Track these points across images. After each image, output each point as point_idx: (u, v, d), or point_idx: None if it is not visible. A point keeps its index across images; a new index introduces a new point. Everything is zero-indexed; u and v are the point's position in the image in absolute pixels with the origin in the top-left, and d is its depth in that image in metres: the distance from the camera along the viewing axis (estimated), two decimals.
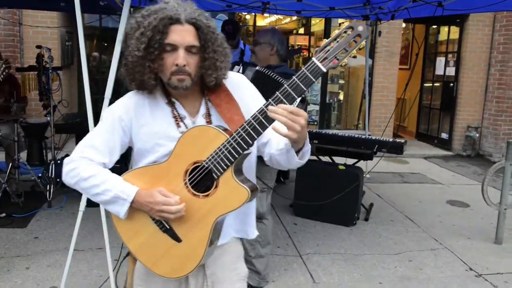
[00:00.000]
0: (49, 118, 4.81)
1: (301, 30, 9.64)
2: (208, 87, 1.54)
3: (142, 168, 1.52)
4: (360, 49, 1.35)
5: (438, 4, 4.31)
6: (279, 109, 1.30)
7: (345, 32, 1.33)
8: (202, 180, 1.44)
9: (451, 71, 8.72)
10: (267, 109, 1.32)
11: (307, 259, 3.80)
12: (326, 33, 8.44)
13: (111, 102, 2.89)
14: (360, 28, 1.32)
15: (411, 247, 4.16)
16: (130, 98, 1.57)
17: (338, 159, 4.86)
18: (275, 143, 1.52)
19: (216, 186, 1.42)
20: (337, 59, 1.33)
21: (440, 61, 8.99)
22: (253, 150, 1.54)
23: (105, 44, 8.40)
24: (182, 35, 1.41)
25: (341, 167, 4.60)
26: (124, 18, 2.89)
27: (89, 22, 7.52)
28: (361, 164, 4.91)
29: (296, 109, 1.31)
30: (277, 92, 1.33)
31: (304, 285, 3.41)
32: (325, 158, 4.91)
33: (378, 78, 8.35)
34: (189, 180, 1.45)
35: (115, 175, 1.51)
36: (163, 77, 1.47)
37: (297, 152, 1.43)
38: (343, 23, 8.85)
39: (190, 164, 1.44)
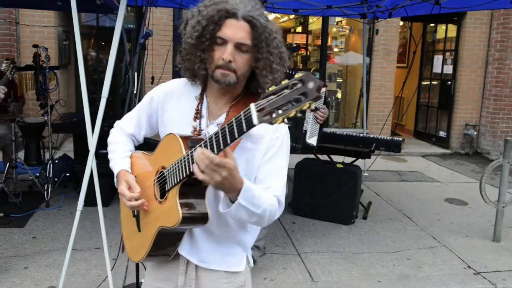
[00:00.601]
0: (46, 118, 4.79)
1: (299, 29, 9.63)
2: (253, 93, 1.48)
3: (142, 153, 1.64)
4: (312, 110, 1.11)
5: (435, 2, 4.31)
6: (201, 155, 1.20)
7: (295, 83, 1.08)
8: (163, 186, 1.45)
9: (448, 69, 8.73)
10: (222, 132, 1.21)
11: (306, 258, 3.80)
12: (324, 31, 8.44)
13: (108, 101, 2.89)
14: (310, 85, 1.06)
15: (410, 245, 4.17)
16: (170, 83, 1.63)
17: (337, 158, 4.86)
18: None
19: (166, 198, 1.41)
20: (275, 114, 1.09)
21: (438, 59, 9.00)
22: None
23: (102, 43, 8.38)
24: (235, 30, 1.38)
25: (339, 165, 4.60)
26: (121, 17, 2.88)
27: (86, 21, 7.50)
28: (359, 162, 4.91)
29: (220, 163, 1.19)
30: (212, 133, 1.23)
31: (302, 283, 3.41)
32: (323, 157, 4.91)
33: (375, 76, 8.36)
34: (156, 180, 1.48)
35: (125, 150, 1.66)
36: (208, 69, 1.45)
37: (232, 202, 1.32)
38: (340, 21, 8.86)
39: (160, 166, 1.47)
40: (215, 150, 1.22)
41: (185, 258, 1.55)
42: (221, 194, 1.36)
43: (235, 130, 1.17)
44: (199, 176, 1.23)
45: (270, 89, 1.13)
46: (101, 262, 3.39)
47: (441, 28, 9.04)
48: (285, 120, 1.10)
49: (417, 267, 3.74)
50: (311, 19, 8.80)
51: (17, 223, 4.20)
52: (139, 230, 1.56)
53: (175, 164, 1.35)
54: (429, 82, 9.34)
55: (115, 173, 1.59)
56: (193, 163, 1.26)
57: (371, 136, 4.91)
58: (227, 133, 1.19)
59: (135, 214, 1.55)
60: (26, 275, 3.32)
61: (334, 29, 9.05)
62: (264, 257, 3.73)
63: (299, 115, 1.09)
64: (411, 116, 9.74)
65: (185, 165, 1.31)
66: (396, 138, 4.77)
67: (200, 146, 1.25)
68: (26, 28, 6.83)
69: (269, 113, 1.10)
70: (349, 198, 4.50)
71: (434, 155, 8.39)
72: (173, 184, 1.37)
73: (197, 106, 1.51)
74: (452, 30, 8.70)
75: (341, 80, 9.03)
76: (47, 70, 4.75)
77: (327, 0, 5.14)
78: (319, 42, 8.81)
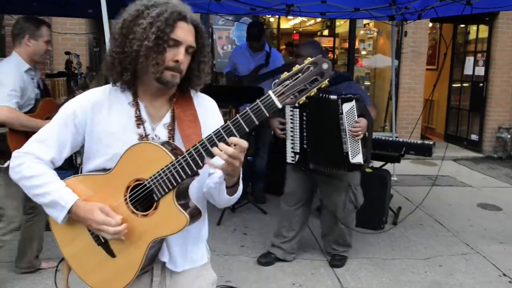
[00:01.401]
0: None
1: (325, 32, 9.59)
2: (180, 94, 1.53)
3: (85, 176, 1.49)
4: (321, 88, 1.26)
5: (467, 2, 4.21)
6: (222, 145, 1.28)
7: (307, 67, 1.24)
8: (142, 198, 1.40)
9: (480, 70, 8.51)
10: (216, 138, 1.29)
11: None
12: (351, 34, 8.36)
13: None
14: (325, 66, 1.24)
15: (441, 251, 4.07)
16: (91, 94, 1.51)
17: None
18: (216, 175, 1.47)
19: (155, 208, 1.37)
20: (295, 96, 1.25)
21: (469, 60, 8.79)
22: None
23: None
24: (187, 33, 1.42)
25: (368, 170, 4.53)
26: None
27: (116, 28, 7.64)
28: (389, 166, 4.83)
29: (238, 147, 1.28)
30: (228, 122, 1.29)
31: None
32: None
33: (404, 79, 8.23)
34: (129, 197, 1.40)
35: (58, 179, 1.46)
36: (152, 71, 1.40)
37: (231, 187, 1.42)
38: (368, 24, 8.77)
39: (132, 180, 1.39)
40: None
41: (160, 266, 1.54)
42: (222, 184, 1.42)
43: (254, 118, 1.27)
44: (218, 164, 1.30)
45: (283, 76, 1.25)
46: None
47: (472, 29, 8.83)
48: (305, 98, 1.25)
49: (450, 274, 3.64)
50: (338, 22, 8.73)
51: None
52: (113, 256, 1.46)
53: (164, 171, 1.33)
54: (460, 84, 9.13)
55: (67, 206, 1.41)
56: (202, 160, 1.30)
57: (401, 140, 4.83)
58: (243, 122, 1.27)
59: (103, 240, 1.45)
60: (59, 277, 3.38)
61: (362, 32, 8.96)
62: (292, 262, 3.71)
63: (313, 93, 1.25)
64: (442, 119, 9.53)
65: (181, 167, 1.32)
66: (426, 142, 4.68)
67: (219, 134, 1.29)
68: (58, 36, 7.00)
69: (288, 96, 1.24)
70: (379, 203, 4.44)
71: (465, 159, 8.18)
72: (165, 191, 1.34)
73: (136, 112, 1.47)
74: (483, 30, 8.49)
75: (369, 83, 8.92)
76: (79, 77, 4.86)
77: (355, 3, 5.08)
78: (346, 45, 8.74)
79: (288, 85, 1.24)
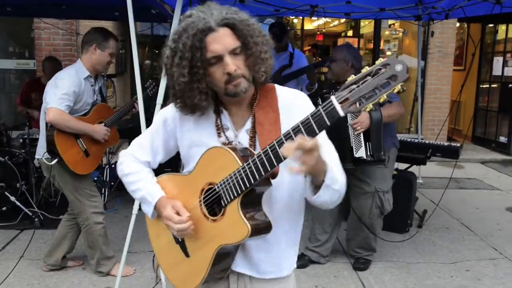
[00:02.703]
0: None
1: (350, 33, 9.51)
2: (258, 88, 1.46)
3: (172, 175, 1.56)
4: (399, 92, 1.11)
5: (496, 1, 4.11)
6: (291, 146, 1.17)
7: (378, 69, 1.09)
8: (213, 203, 1.40)
9: (509, 71, 8.30)
10: (278, 146, 1.21)
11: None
12: (376, 35, 8.27)
13: (163, 107, 2.97)
14: (399, 68, 1.07)
15: (468, 256, 3.98)
16: None
17: None
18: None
19: (223, 214, 1.36)
20: (361, 103, 1.10)
21: (498, 61, 8.59)
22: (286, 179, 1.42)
23: (156, 52, 8.63)
24: (221, 42, 1.32)
25: (393, 172, 4.47)
26: (175, 25, 2.95)
27: (141, 30, 7.75)
28: (414, 169, 4.75)
29: (309, 145, 1.17)
30: (289, 130, 1.21)
31: None
32: None
33: (431, 80, 8.09)
34: (203, 199, 1.41)
35: (150, 177, 1.57)
36: (218, 91, 1.41)
37: (319, 186, 1.31)
38: (393, 24, 8.66)
39: (206, 184, 1.40)
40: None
41: (236, 275, 1.51)
42: (306, 182, 1.34)
43: (314, 126, 1.17)
44: (294, 170, 1.19)
45: (349, 79, 1.12)
46: None
47: (501, 28, 8.62)
48: (371, 106, 1.11)
49: (477, 279, 3.56)
50: (363, 23, 8.65)
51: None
52: (187, 256, 1.49)
53: (231, 177, 1.31)
54: (488, 85, 8.93)
55: (153, 202, 1.50)
56: (265, 168, 1.24)
57: (427, 141, 4.75)
58: (303, 130, 1.19)
59: (180, 239, 1.49)
60: (84, 275, 3.45)
61: (387, 32, 8.85)
62: (315, 264, 3.69)
63: (386, 98, 1.11)
64: (469, 120, 9.33)
65: (246, 175, 1.27)
66: (453, 144, 4.59)
67: (279, 142, 1.23)
68: None
69: (353, 103, 1.11)
70: (404, 206, 4.37)
71: (494, 162, 7.99)
72: (231, 198, 1.32)
73: (216, 121, 1.46)
74: None
75: None
76: (105, 78, 4.94)
77: (380, 3, 5.02)
78: (371, 45, 8.65)
79: (354, 90, 1.11)
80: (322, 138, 1.43)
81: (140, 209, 2.98)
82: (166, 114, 1.55)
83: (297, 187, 1.45)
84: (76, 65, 3.22)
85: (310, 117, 1.17)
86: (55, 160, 3.09)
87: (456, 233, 4.50)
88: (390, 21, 8.48)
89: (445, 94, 8.17)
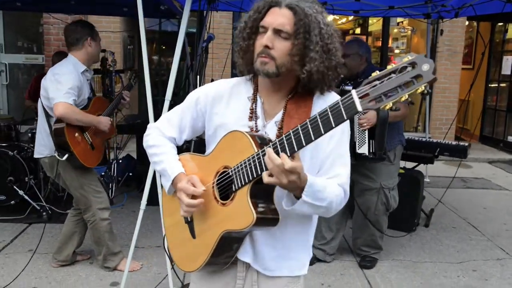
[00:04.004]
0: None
1: (358, 30, 9.46)
2: (300, 85, 1.43)
3: (193, 155, 1.57)
4: (423, 93, 1.08)
5: (507, 0, 4.08)
6: (271, 157, 1.20)
7: (404, 67, 1.06)
8: (226, 187, 1.39)
9: None
10: (293, 136, 1.22)
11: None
12: (384, 32, 8.23)
13: (171, 103, 2.97)
14: (425, 67, 1.04)
15: (475, 256, 3.96)
16: (216, 84, 1.58)
17: None
18: None
19: (232, 199, 1.36)
20: (380, 100, 1.08)
21: (507, 60, 8.52)
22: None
23: (164, 48, 8.64)
24: (275, 17, 1.36)
25: (400, 170, 4.45)
26: (185, 22, 2.95)
27: (149, 26, 7.75)
28: (421, 167, 4.73)
29: (291, 168, 1.18)
30: (307, 121, 1.20)
31: None
32: None
33: (439, 78, 8.04)
34: (216, 182, 1.42)
35: (173, 152, 1.57)
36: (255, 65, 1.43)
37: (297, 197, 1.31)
38: (402, 22, 8.61)
39: (221, 166, 1.40)
40: (295, 147, 1.22)
41: (244, 265, 1.50)
42: (284, 191, 1.34)
43: (331, 119, 1.15)
44: (265, 179, 1.23)
45: (373, 74, 1.10)
46: (162, 260, 3.48)
47: (511, 27, 8.55)
48: (391, 104, 1.08)
49: (484, 279, 3.55)
50: (371, 20, 8.61)
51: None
52: (194, 237, 1.49)
53: (245, 162, 1.31)
54: (497, 85, 8.86)
55: (172, 176, 1.50)
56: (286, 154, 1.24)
57: (435, 140, 4.72)
58: (320, 123, 1.17)
59: (189, 220, 1.49)
60: (91, 270, 3.47)
61: (395, 30, 8.81)
62: (321, 262, 3.68)
63: (408, 98, 1.08)
64: (477, 120, 9.28)
65: (259, 162, 1.27)
66: (461, 143, 4.56)
67: (276, 144, 1.24)
68: None
69: (374, 99, 1.08)
70: (411, 204, 4.35)
71: (502, 162, 7.94)
72: (242, 184, 1.32)
73: (251, 106, 1.47)
74: None
75: None
76: (114, 74, 4.96)
77: (389, 1, 5.00)
78: (379, 43, 8.60)
79: (376, 86, 1.09)
80: (343, 148, 1.44)
81: (147, 204, 3.01)
82: (200, 93, 1.57)
83: None
84: (71, 60, 3.20)
85: (328, 109, 1.16)
86: (66, 156, 3.08)
87: (463, 233, 4.48)
88: (399, 19, 8.43)
89: (454, 93, 8.13)
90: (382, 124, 3.26)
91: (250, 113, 1.46)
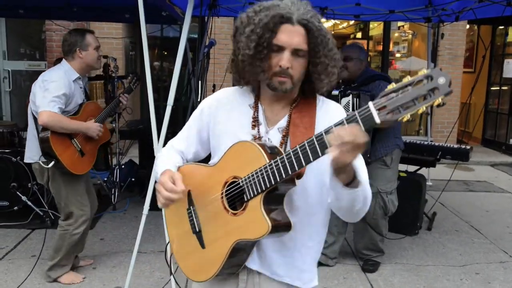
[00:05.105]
0: (114, 125, 5.03)
1: (359, 35, 9.48)
2: (304, 97, 1.47)
3: (196, 165, 1.55)
4: (439, 105, 1.09)
5: (507, 3, 4.09)
6: (341, 133, 1.15)
7: (420, 80, 1.08)
8: (235, 197, 1.40)
9: None
10: (308, 147, 1.21)
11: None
12: (385, 36, 8.25)
13: (173, 109, 2.99)
14: (442, 81, 1.06)
15: (478, 259, 3.96)
16: (219, 93, 1.59)
17: (399, 166, 4.70)
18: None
19: (244, 208, 1.36)
20: (398, 112, 1.09)
21: (508, 63, 8.53)
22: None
23: (165, 53, 8.68)
24: (291, 36, 1.35)
25: (402, 174, 4.46)
26: (186, 28, 2.97)
27: (151, 32, 7.81)
28: (423, 171, 4.73)
29: (361, 140, 1.16)
30: (322, 131, 1.20)
31: None
32: None
33: None
34: (225, 192, 1.41)
35: (173, 159, 1.58)
36: (262, 77, 1.42)
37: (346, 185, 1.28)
38: (402, 26, 8.63)
39: (230, 177, 1.40)
40: (320, 152, 1.21)
41: (246, 274, 1.50)
42: (333, 183, 1.30)
43: None
44: (334, 153, 1.16)
45: (390, 87, 1.11)
46: (165, 265, 3.49)
47: None
48: (409, 116, 1.10)
49: (487, 282, 3.54)
50: (372, 25, 8.64)
51: None
52: (203, 247, 1.49)
53: (257, 172, 1.31)
54: (498, 88, 8.86)
55: (159, 174, 1.51)
56: (293, 167, 1.23)
57: (437, 144, 4.73)
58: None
59: (197, 230, 1.49)
60: (94, 274, 3.48)
61: (396, 34, 8.83)
62: (324, 266, 3.68)
63: (426, 110, 1.10)
64: (479, 123, 9.27)
65: (272, 172, 1.27)
66: (463, 146, 4.57)
67: (290, 154, 1.24)
68: None
69: (391, 111, 1.10)
70: (413, 208, 4.35)
71: (504, 164, 7.93)
72: (255, 193, 1.32)
73: (254, 114, 1.48)
74: None
75: None
76: (116, 80, 4.99)
77: (390, 5, 5.02)
78: (380, 47, 8.62)
79: (392, 98, 1.10)
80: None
81: (150, 209, 3.02)
82: (204, 104, 1.59)
83: (320, 199, 1.44)
84: (64, 67, 3.17)
85: (344, 121, 1.17)
86: (52, 163, 3.06)
87: (466, 236, 4.47)
88: (400, 23, 8.46)
89: (455, 96, 8.13)
90: (367, 131, 3.28)
91: (253, 121, 1.47)
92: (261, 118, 1.48)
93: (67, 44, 3.19)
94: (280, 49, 1.36)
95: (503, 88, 8.76)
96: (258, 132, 1.46)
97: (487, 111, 9.15)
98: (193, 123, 1.60)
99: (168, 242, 1.66)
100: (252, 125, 1.47)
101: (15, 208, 4.40)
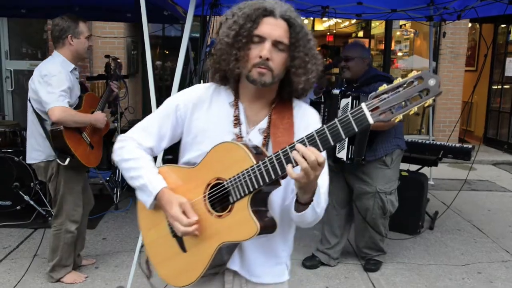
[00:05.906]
0: (116, 124, 5.03)
1: (360, 33, 9.48)
2: (283, 97, 1.48)
3: (175, 167, 1.50)
4: (430, 106, 1.16)
5: (509, 1, 4.08)
6: (306, 151, 1.18)
7: (411, 82, 1.12)
8: (219, 199, 1.37)
9: None
10: (308, 139, 1.22)
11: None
12: (387, 35, 8.24)
13: None
14: (432, 82, 1.10)
15: (480, 258, 3.95)
16: (195, 89, 1.54)
17: (401, 165, 4.70)
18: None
19: (230, 210, 1.34)
20: (391, 112, 1.12)
21: (510, 61, 8.51)
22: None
23: (167, 53, 8.68)
24: (273, 28, 1.37)
25: (404, 173, 4.46)
26: (188, 27, 2.97)
27: (152, 31, 7.80)
28: (425, 170, 4.73)
29: (321, 158, 1.19)
30: (313, 132, 1.21)
31: None
32: None
33: (442, 81, 7.90)
34: (208, 194, 1.39)
35: (152, 165, 1.49)
36: (244, 70, 1.41)
37: (305, 204, 1.33)
38: (404, 25, 8.62)
39: (213, 178, 1.37)
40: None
41: (232, 274, 1.51)
42: (288, 199, 1.38)
43: (341, 131, 1.18)
44: (293, 175, 1.21)
45: (381, 88, 1.15)
46: None
47: None
48: (401, 117, 1.13)
49: (489, 281, 3.54)
50: (374, 23, 8.62)
51: (89, 224, 4.38)
52: (184, 250, 1.45)
53: (243, 174, 1.30)
54: (500, 86, 8.85)
55: (154, 192, 1.43)
56: (283, 168, 1.24)
57: (438, 143, 4.72)
58: (329, 135, 1.20)
59: (177, 233, 1.43)
60: (97, 274, 3.49)
61: (398, 33, 8.82)
62: (325, 266, 3.68)
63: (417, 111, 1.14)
64: (481, 122, 9.26)
65: (260, 173, 1.27)
66: (465, 145, 4.56)
67: (303, 143, 1.23)
68: (98, 39, 7.21)
69: (384, 112, 1.13)
70: (415, 207, 4.35)
71: (506, 163, 7.92)
72: (241, 195, 1.31)
73: (235, 112, 1.47)
74: None
75: None
76: (117, 79, 4.98)
77: (392, 4, 5.01)
78: (382, 46, 8.61)
79: (385, 99, 1.13)
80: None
81: None
82: (179, 99, 1.52)
83: (287, 196, 1.47)
84: (57, 59, 3.07)
85: (337, 122, 1.18)
86: (68, 160, 3.02)
87: (468, 235, 4.47)
88: (401, 22, 8.45)
89: (457, 95, 8.12)
90: (362, 132, 3.28)
91: (235, 119, 1.46)
92: (242, 117, 1.47)
93: (58, 29, 3.07)
94: (261, 40, 1.37)
95: (505, 86, 8.74)
96: (240, 131, 1.45)
97: (489, 110, 9.14)
98: (166, 117, 1.51)
99: (142, 245, 1.62)
100: (234, 123, 1.46)
101: (18, 207, 4.41)
